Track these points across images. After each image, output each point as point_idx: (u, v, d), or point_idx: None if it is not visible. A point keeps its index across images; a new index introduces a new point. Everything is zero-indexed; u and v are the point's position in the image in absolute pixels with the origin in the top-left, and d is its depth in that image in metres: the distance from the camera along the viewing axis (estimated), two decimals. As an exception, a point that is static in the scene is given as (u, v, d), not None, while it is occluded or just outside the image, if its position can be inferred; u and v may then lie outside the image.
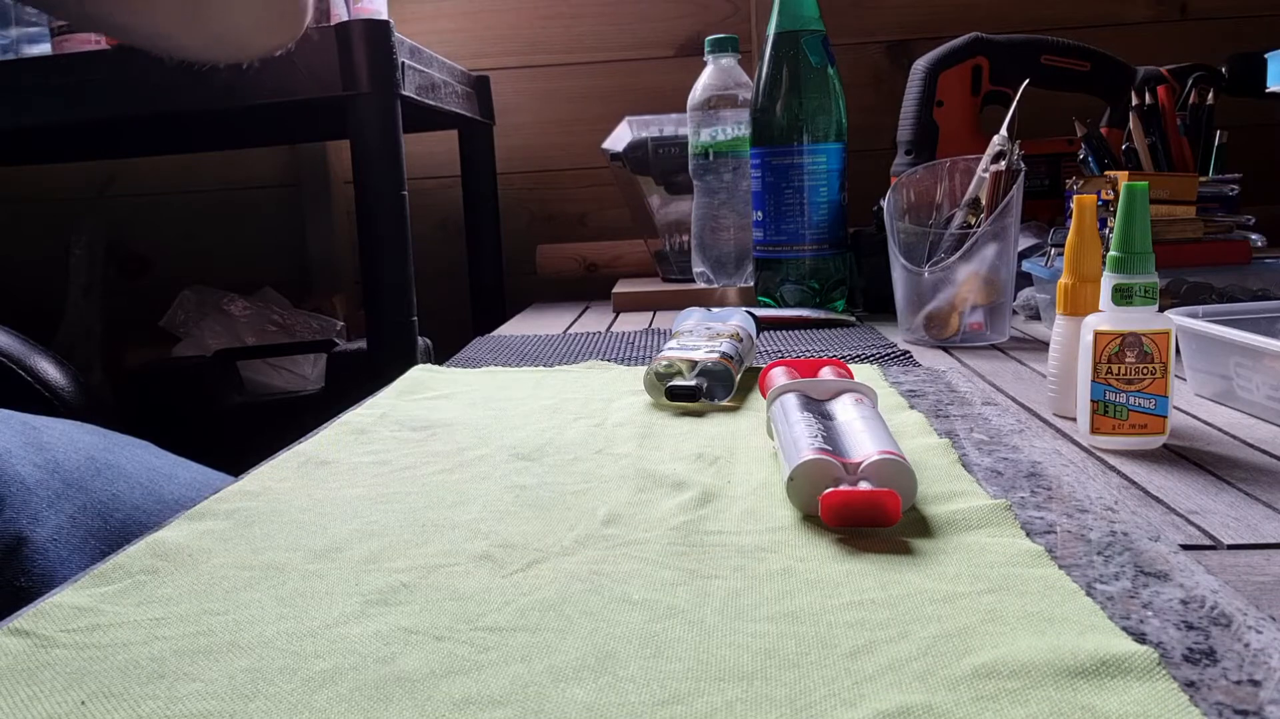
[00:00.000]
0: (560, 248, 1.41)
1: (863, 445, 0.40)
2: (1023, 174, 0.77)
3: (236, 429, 1.26)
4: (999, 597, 0.30)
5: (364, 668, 0.27)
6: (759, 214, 0.97)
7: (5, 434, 0.57)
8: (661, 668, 0.27)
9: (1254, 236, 0.83)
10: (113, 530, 0.55)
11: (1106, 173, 0.88)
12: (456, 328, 1.33)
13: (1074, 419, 0.52)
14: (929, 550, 0.34)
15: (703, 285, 1.11)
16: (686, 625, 0.29)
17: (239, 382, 1.31)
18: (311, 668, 0.27)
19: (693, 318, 0.72)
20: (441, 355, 0.87)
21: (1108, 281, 0.47)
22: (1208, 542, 0.37)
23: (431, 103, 1.07)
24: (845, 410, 0.45)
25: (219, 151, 1.51)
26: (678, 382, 0.57)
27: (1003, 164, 0.78)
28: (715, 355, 0.59)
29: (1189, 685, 0.25)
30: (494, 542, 0.36)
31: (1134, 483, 0.44)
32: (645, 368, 0.60)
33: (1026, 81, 0.84)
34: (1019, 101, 0.82)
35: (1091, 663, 0.25)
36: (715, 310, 0.75)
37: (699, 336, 0.64)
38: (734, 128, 1.06)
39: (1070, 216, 0.54)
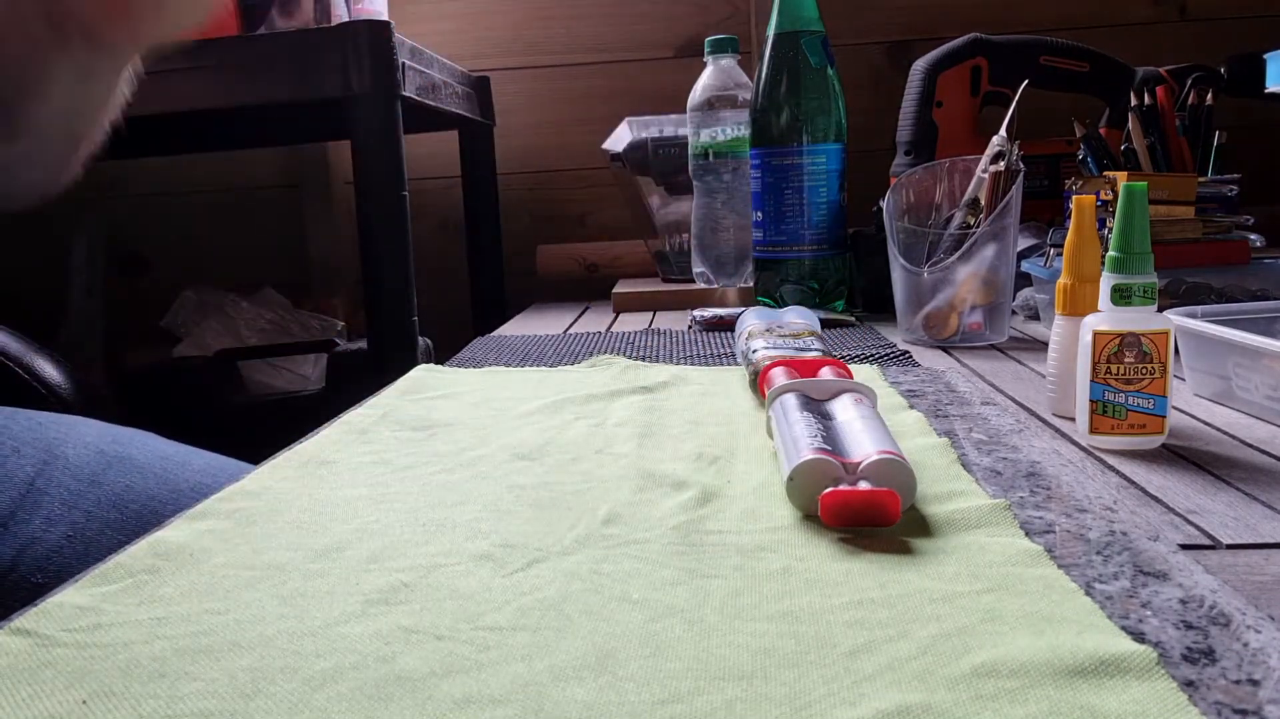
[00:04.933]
0: (560, 248, 1.41)
1: (862, 445, 0.40)
2: (1022, 174, 0.77)
3: (237, 429, 1.26)
4: (998, 596, 0.30)
5: (365, 667, 0.27)
6: (759, 214, 0.97)
7: (14, 433, 0.57)
8: (661, 667, 0.27)
9: (1253, 237, 0.84)
10: (128, 520, 0.55)
11: (1105, 173, 0.88)
12: (456, 328, 1.33)
13: (1073, 419, 0.52)
14: (928, 550, 0.34)
15: (703, 285, 1.11)
16: (686, 625, 0.29)
17: (240, 382, 1.31)
18: (312, 667, 0.27)
19: (758, 319, 0.69)
20: (442, 355, 0.87)
21: (1107, 282, 0.47)
22: (1207, 541, 0.37)
23: (432, 103, 1.07)
24: (845, 410, 0.45)
25: (220, 152, 1.51)
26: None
27: (1002, 164, 0.78)
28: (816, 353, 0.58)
29: (1188, 685, 0.25)
30: (494, 541, 0.37)
31: (1133, 483, 0.44)
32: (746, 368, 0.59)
33: (1026, 82, 0.84)
34: (1018, 102, 0.82)
35: (1090, 662, 0.25)
36: (768, 311, 0.73)
37: (781, 338, 0.62)
38: (734, 128, 1.06)
39: (1069, 217, 0.54)
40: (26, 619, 0.31)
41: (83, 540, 0.53)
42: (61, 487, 0.55)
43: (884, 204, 0.83)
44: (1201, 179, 0.86)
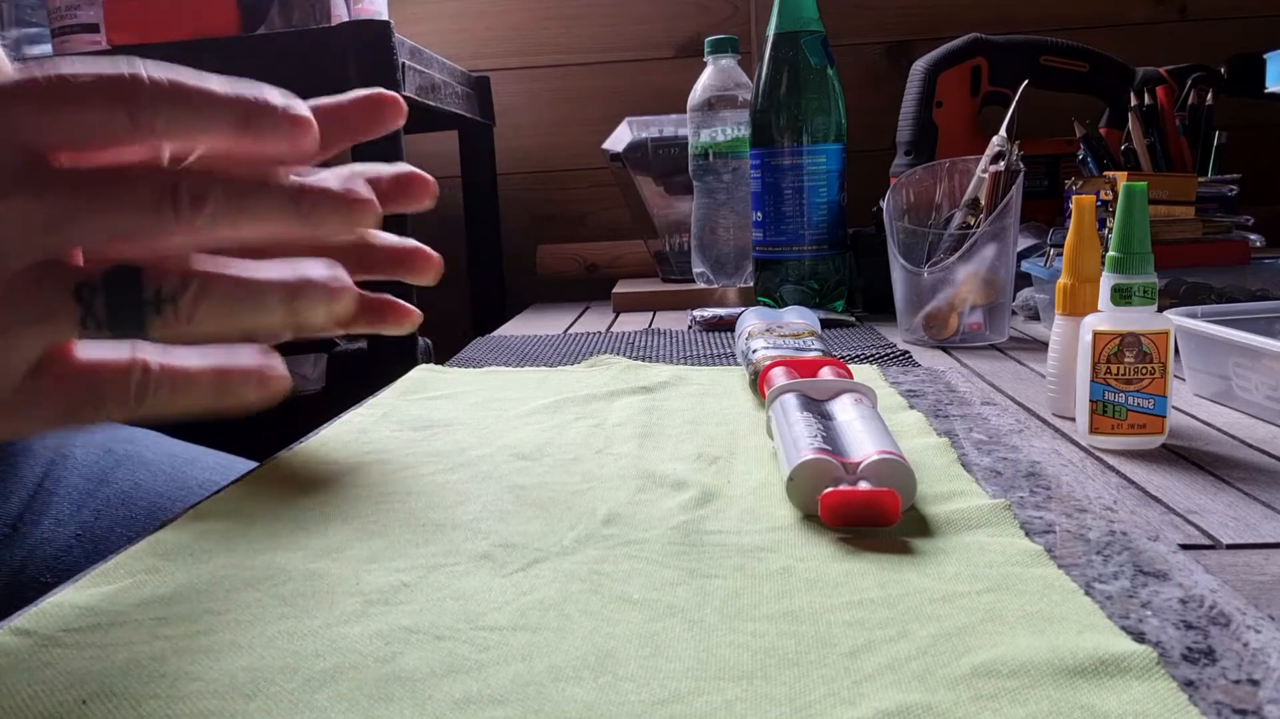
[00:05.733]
0: (560, 248, 1.41)
1: (862, 445, 0.40)
2: (1022, 174, 0.77)
3: (237, 429, 1.26)
4: (998, 596, 0.30)
5: (364, 667, 0.27)
6: (758, 215, 0.97)
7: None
8: (661, 667, 0.27)
9: (1253, 237, 0.84)
10: (137, 517, 0.55)
11: (1105, 173, 0.88)
12: (456, 328, 1.33)
13: (1073, 419, 0.52)
14: (928, 550, 0.34)
15: (703, 285, 1.11)
16: (686, 625, 0.29)
17: (239, 382, 1.31)
18: (312, 667, 0.27)
19: (758, 319, 0.69)
20: (442, 355, 0.87)
21: (1107, 282, 0.47)
22: (1206, 541, 0.37)
23: (432, 103, 1.07)
24: (845, 410, 0.45)
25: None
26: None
27: (1002, 164, 0.78)
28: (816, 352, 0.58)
29: (1188, 685, 0.25)
30: (494, 541, 0.37)
31: (1133, 483, 0.44)
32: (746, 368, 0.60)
33: (1026, 82, 0.85)
34: (1018, 102, 0.82)
35: (1090, 662, 0.25)
36: (768, 311, 0.73)
37: (781, 338, 0.62)
38: (734, 128, 1.06)
39: (1069, 217, 0.54)
40: (26, 619, 0.31)
41: (91, 539, 0.53)
42: (70, 486, 0.55)
43: (884, 204, 0.83)
44: (1201, 179, 0.86)
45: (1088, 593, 0.30)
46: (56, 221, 0.27)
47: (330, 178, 0.30)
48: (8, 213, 0.27)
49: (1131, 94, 0.91)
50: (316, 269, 0.30)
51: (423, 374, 0.70)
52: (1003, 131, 0.79)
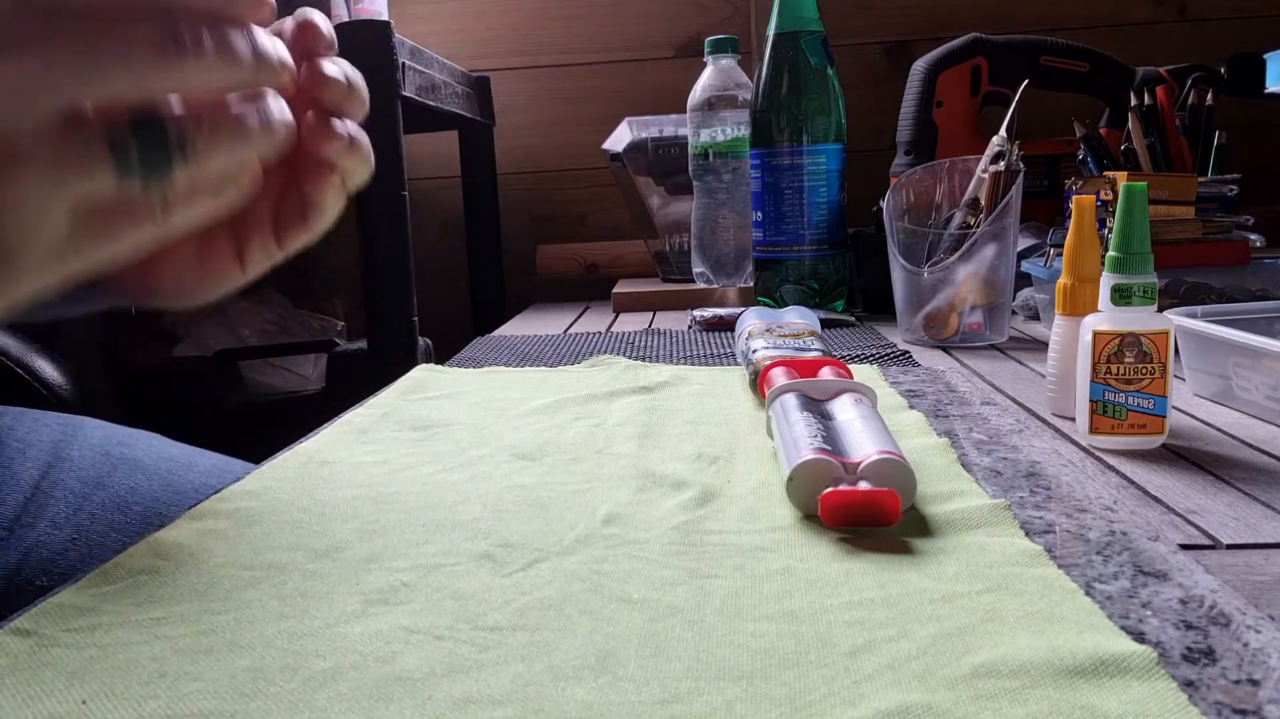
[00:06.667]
0: (560, 248, 1.41)
1: (862, 445, 0.40)
2: (1022, 174, 0.77)
3: (236, 429, 1.26)
4: (998, 596, 0.30)
5: (364, 667, 0.27)
6: (758, 214, 0.97)
7: (20, 435, 0.57)
8: (661, 667, 0.27)
9: (1253, 237, 0.84)
10: (133, 522, 0.55)
11: (1105, 173, 0.88)
12: (456, 328, 1.33)
13: (1073, 419, 0.52)
14: (928, 550, 0.34)
15: (703, 285, 1.11)
16: (686, 625, 0.29)
17: (240, 381, 1.31)
18: (312, 667, 0.27)
19: (758, 319, 0.69)
20: (441, 355, 0.87)
21: (1107, 282, 0.47)
22: (1207, 541, 0.37)
23: (432, 103, 1.07)
24: (845, 410, 0.45)
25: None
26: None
27: (1002, 164, 0.78)
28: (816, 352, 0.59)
29: (1188, 685, 0.25)
30: (494, 541, 0.37)
31: (1133, 482, 0.44)
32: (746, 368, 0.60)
33: (1026, 82, 0.85)
34: (1018, 102, 0.82)
35: (1090, 662, 0.25)
36: (768, 311, 0.73)
37: (781, 338, 0.62)
38: (734, 128, 1.06)
39: (1069, 217, 0.54)
40: (27, 619, 0.31)
41: (87, 543, 0.53)
42: (66, 489, 0.55)
43: (884, 204, 0.83)
44: (1201, 179, 0.86)
45: (1088, 593, 0.30)
46: (75, 67, 0.27)
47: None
48: (29, 63, 0.27)
49: (1131, 94, 0.91)
50: (270, 99, 0.32)
51: (423, 374, 0.70)
52: (1003, 131, 0.79)
